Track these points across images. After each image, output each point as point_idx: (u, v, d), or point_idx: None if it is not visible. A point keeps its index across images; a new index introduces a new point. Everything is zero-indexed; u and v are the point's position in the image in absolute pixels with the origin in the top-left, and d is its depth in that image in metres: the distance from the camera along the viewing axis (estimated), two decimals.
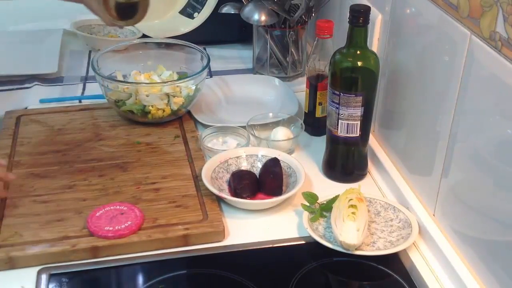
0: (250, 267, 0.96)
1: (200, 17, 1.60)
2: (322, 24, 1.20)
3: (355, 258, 0.95)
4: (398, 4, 1.08)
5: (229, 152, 1.15)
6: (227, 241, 1.00)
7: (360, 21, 1.03)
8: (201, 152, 1.19)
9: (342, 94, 1.06)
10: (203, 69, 1.28)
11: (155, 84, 1.26)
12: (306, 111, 1.28)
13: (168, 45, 1.43)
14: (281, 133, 1.20)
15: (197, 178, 1.11)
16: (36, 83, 1.45)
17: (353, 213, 0.96)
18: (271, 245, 1.00)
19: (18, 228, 0.98)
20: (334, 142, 1.13)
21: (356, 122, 1.08)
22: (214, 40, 1.65)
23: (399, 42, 1.09)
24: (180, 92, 1.27)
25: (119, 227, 0.97)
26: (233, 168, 1.13)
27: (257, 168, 1.14)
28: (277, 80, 1.43)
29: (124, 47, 1.44)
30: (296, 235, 1.01)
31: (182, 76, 1.33)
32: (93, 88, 1.43)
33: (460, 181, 0.92)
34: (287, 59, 1.48)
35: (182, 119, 1.30)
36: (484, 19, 0.81)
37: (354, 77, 1.07)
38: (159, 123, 1.28)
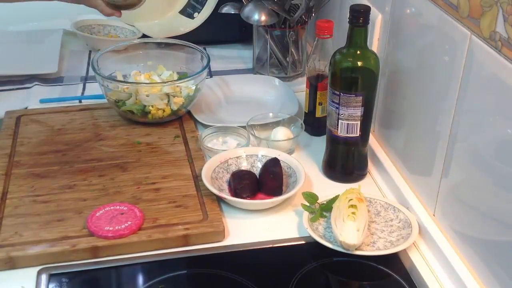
0: (250, 267, 0.96)
1: (200, 17, 1.60)
2: (322, 24, 1.20)
3: (355, 258, 0.95)
4: (398, 4, 1.08)
5: (229, 152, 1.15)
6: (227, 241, 1.00)
7: (360, 21, 1.03)
8: (201, 152, 1.19)
9: (342, 94, 1.06)
10: (203, 69, 1.28)
11: (155, 84, 1.26)
12: (306, 111, 1.28)
13: (168, 45, 1.43)
14: (281, 133, 1.20)
15: (197, 178, 1.11)
16: (36, 83, 1.46)
17: (353, 213, 0.96)
18: (271, 245, 1.00)
19: (18, 228, 0.98)
20: (334, 142, 1.13)
21: (356, 122, 1.08)
22: (214, 40, 1.65)
23: (399, 42, 1.09)
24: (180, 92, 1.27)
25: (119, 227, 0.97)
26: (233, 168, 1.13)
27: (257, 168, 1.14)
28: (277, 80, 1.43)
29: (124, 47, 1.44)
30: (296, 235, 1.01)
31: (182, 76, 1.33)
32: (93, 88, 1.43)
33: (460, 181, 0.92)
34: (287, 59, 1.48)
35: (182, 119, 1.30)
36: (484, 19, 0.81)
37: (354, 77, 1.07)
38: (159, 123, 1.28)
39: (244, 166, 1.14)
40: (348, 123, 1.08)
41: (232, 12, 1.43)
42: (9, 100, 1.39)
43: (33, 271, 0.93)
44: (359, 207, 0.97)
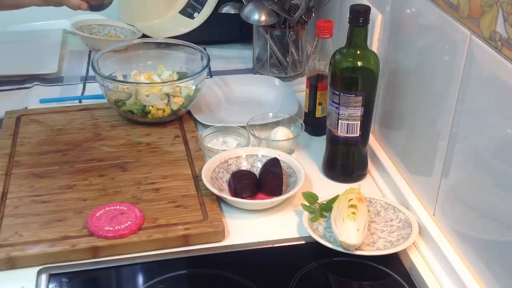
0: (250, 267, 0.96)
1: (200, 17, 1.60)
2: (322, 24, 1.20)
3: (355, 258, 0.95)
4: (398, 4, 1.08)
5: (229, 152, 1.15)
6: (227, 241, 1.00)
7: (360, 21, 1.03)
8: (201, 152, 1.19)
9: (342, 94, 1.06)
10: (203, 69, 1.28)
11: (155, 84, 1.26)
12: (306, 111, 1.28)
13: (168, 45, 1.43)
14: (281, 133, 1.20)
15: (197, 178, 1.11)
16: (36, 83, 1.46)
17: (353, 213, 0.96)
18: (271, 245, 1.00)
19: (18, 228, 0.98)
20: (334, 142, 1.13)
21: (356, 122, 1.08)
22: (214, 40, 1.65)
23: (399, 42, 1.09)
24: (180, 92, 1.27)
25: (119, 227, 0.97)
26: (233, 168, 1.13)
27: (257, 168, 1.14)
28: (277, 80, 1.43)
29: (124, 47, 1.44)
30: (296, 235, 1.01)
31: (182, 76, 1.33)
32: (93, 88, 1.43)
33: (460, 181, 0.92)
34: (287, 59, 1.48)
35: (182, 119, 1.30)
36: (484, 19, 0.81)
37: (354, 77, 1.07)
38: (159, 123, 1.28)
39: (244, 166, 1.14)
40: (348, 123, 1.08)
41: (232, 12, 1.43)
42: (9, 100, 1.39)
43: (33, 271, 0.93)
44: (359, 207, 0.97)
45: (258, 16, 1.38)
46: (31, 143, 1.21)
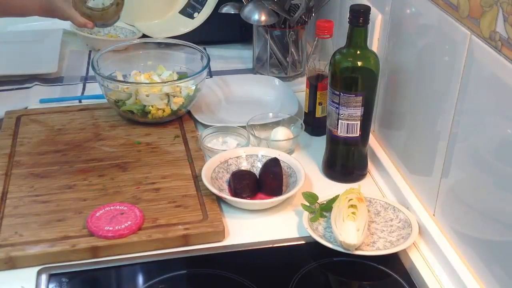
0: (250, 267, 0.96)
1: (200, 17, 1.60)
2: (322, 24, 1.20)
3: (355, 258, 0.95)
4: (398, 4, 1.08)
5: (229, 152, 1.15)
6: (227, 241, 1.00)
7: (360, 21, 1.03)
8: (201, 152, 1.19)
9: (342, 94, 1.06)
10: (203, 69, 1.28)
11: (155, 84, 1.26)
12: (306, 111, 1.28)
13: (168, 45, 1.43)
14: (281, 133, 1.20)
15: (197, 178, 1.11)
16: (36, 83, 1.45)
17: (353, 213, 0.96)
18: (271, 245, 1.00)
19: (18, 228, 0.98)
20: (334, 142, 1.13)
21: (356, 122, 1.08)
22: (214, 40, 1.65)
23: (399, 42, 1.09)
24: (180, 92, 1.27)
25: (119, 227, 0.97)
26: (233, 168, 1.13)
27: (257, 168, 1.14)
28: (277, 80, 1.43)
29: (124, 47, 1.44)
30: (296, 235, 1.01)
31: (182, 76, 1.33)
32: (93, 88, 1.43)
33: (460, 181, 0.92)
34: (287, 59, 1.48)
35: (182, 119, 1.30)
36: (484, 19, 0.81)
37: (354, 77, 1.07)
38: (159, 123, 1.28)
39: (244, 166, 1.14)
40: (348, 123, 1.08)
41: (232, 12, 1.43)
42: (9, 100, 1.39)
43: (33, 271, 0.93)
44: (359, 207, 0.97)
45: (258, 16, 1.38)
46: (31, 143, 1.21)
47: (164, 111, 1.26)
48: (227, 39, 1.67)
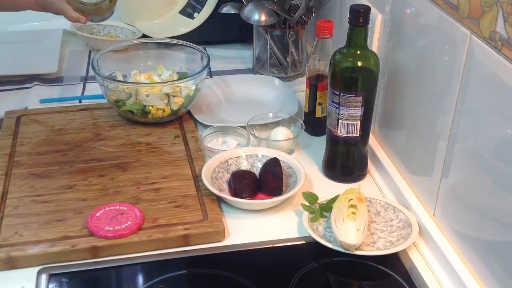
0: (250, 267, 0.96)
1: (200, 17, 1.60)
2: (322, 24, 1.20)
3: (355, 258, 0.95)
4: (398, 4, 1.08)
5: (229, 152, 1.15)
6: (227, 241, 1.00)
7: (360, 21, 1.03)
8: (201, 152, 1.19)
9: (342, 94, 1.06)
10: (203, 69, 1.28)
11: (155, 84, 1.26)
12: (306, 111, 1.28)
13: (168, 45, 1.43)
14: (281, 133, 1.20)
15: (197, 178, 1.11)
16: (36, 83, 1.46)
17: (353, 213, 0.96)
18: (271, 245, 1.00)
19: (18, 228, 0.98)
20: (334, 142, 1.13)
21: (356, 122, 1.08)
22: (214, 40, 1.65)
23: (399, 42, 1.09)
24: (180, 92, 1.27)
25: (119, 227, 0.97)
26: (233, 168, 1.13)
27: (257, 168, 1.14)
28: (277, 80, 1.43)
29: (124, 47, 1.44)
30: (296, 235, 1.01)
31: (182, 76, 1.33)
32: (93, 88, 1.43)
33: (460, 181, 0.92)
34: (287, 59, 1.48)
35: (182, 119, 1.30)
36: (484, 19, 0.81)
37: (354, 77, 1.07)
38: (159, 123, 1.28)
39: (244, 166, 1.14)
40: (348, 123, 1.08)
41: (232, 12, 1.43)
42: (9, 100, 1.39)
43: (33, 271, 0.93)
44: (359, 207, 0.97)
45: (258, 16, 1.38)
46: (31, 143, 1.21)
47: (164, 111, 1.26)
48: (227, 39, 1.67)
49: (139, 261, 0.96)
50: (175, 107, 1.27)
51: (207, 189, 1.06)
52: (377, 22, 1.15)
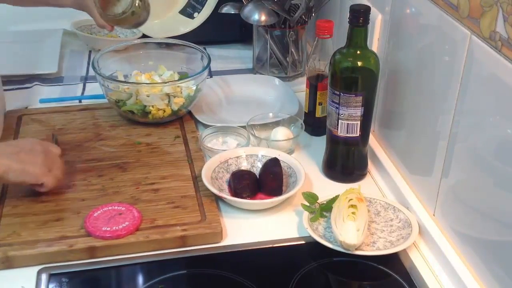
0: (250, 267, 0.96)
1: (200, 17, 1.60)
2: (322, 24, 1.20)
3: (355, 258, 0.95)
4: (398, 4, 1.08)
5: (229, 152, 1.15)
6: (227, 241, 1.00)
7: (360, 21, 1.02)
8: (201, 153, 1.19)
9: (342, 94, 1.06)
10: (204, 69, 1.28)
11: (156, 84, 1.26)
12: (306, 111, 1.28)
13: (168, 45, 1.43)
14: (281, 133, 1.20)
15: (196, 179, 1.11)
16: (36, 83, 1.46)
17: (353, 213, 0.96)
18: (271, 245, 1.00)
19: (17, 228, 0.98)
20: (334, 142, 1.13)
21: (356, 122, 1.08)
22: (214, 40, 1.65)
23: (399, 42, 1.09)
24: (181, 93, 1.27)
25: (117, 228, 0.97)
26: (233, 168, 1.13)
27: (257, 168, 1.13)
28: (277, 80, 1.43)
29: (124, 47, 1.44)
30: (296, 235, 1.01)
31: (183, 76, 1.32)
32: (93, 88, 1.43)
33: (460, 181, 0.92)
34: (287, 59, 1.48)
35: (183, 119, 1.30)
36: (484, 19, 0.81)
37: (354, 77, 1.07)
38: (160, 124, 1.28)
39: (244, 166, 1.14)
40: (348, 123, 1.08)
41: (232, 12, 1.43)
42: (9, 100, 1.38)
43: (33, 271, 0.93)
44: (359, 207, 0.97)
45: (258, 16, 1.38)
46: None
47: (164, 111, 1.26)
48: (227, 39, 1.67)
49: (140, 261, 0.95)
50: (175, 108, 1.27)
51: (206, 190, 1.06)
52: (377, 22, 1.15)
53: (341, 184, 1.13)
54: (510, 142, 0.78)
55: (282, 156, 1.13)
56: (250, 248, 0.99)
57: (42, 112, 1.32)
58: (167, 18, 1.64)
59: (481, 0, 0.81)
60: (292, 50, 1.47)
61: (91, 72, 1.46)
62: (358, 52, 1.05)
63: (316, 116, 1.26)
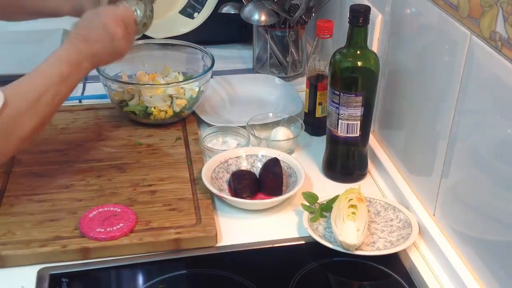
0: (250, 267, 0.96)
1: (200, 17, 1.59)
2: (322, 24, 1.20)
3: (355, 258, 0.95)
4: (398, 4, 1.08)
5: (229, 152, 1.15)
6: (227, 241, 1.00)
7: (360, 21, 1.02)
8: (201, 155, 1.18)
9: (342, 94, 1.06)
10: (208, 70, 1.28)
11: (158, 85, 1.26)
12: (306, 111, 1.28)
13: (171, 46, 1.42)
14: (281, 133, 1.20)
15: (194, 181, 1.10)
16: None
17: (353, 213, 0.96)
18: (271, 245, 1.00)
19: (12, 227, 0.98)
20: (334, 142, 1.13)
21: (356, 122, 1.08)
22: (214, 40, 1.65)
23: (399, 42, 1.09)
24: (184, 94, 1.26)
25: (111, 229, 0.96)
26: (233, 168, 1.13)
27: (257, 168, 1.13)
28: (277, 79, 1.43)
29: None
30: (296, 235, 1.01)
31: (187, 77, 1.32)
32: (93, 88, 1.43)
33: (460, 181, 0.92)
34: (287, 59, 1.48)
35: (185, 120, 1.30)
36: (484, 19, 0.81)
37: (354, 77, 1.07)
38: (162, 125, 1.28)
39: (244, 166, 1.14)
40: (348, 123, 1.08)
41: (232, 12, 1.43)
42: None
43: (33, 271, 0.93)
44: (359, 207, 0.97)
45: (258, 16, 1.38)
46: (33, 141, 1.20)
47: (166, 112, 1.26)
48: (227, 39, 1.67)
49: (140, 261, 0.95)
50: (177, 109, 1.26)
51: (203, 192, 1.05)
52: (377, 22, 1.15)
53: (341, 184, 1.13)
54: (510, 142, 0.78)
55: (282, 156, 1.13)
56: (250, 248, 0.99)
57: None
58: (167, 18, 1.64)
59: (481, 0, 0.81)
60: (292, 50, 1.47)
61: (91, 72, 1.46)
62: (358, 52, 1.05)
63: (316, 116, 1.26)
